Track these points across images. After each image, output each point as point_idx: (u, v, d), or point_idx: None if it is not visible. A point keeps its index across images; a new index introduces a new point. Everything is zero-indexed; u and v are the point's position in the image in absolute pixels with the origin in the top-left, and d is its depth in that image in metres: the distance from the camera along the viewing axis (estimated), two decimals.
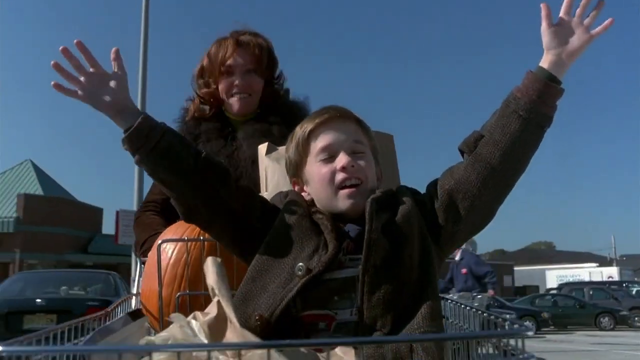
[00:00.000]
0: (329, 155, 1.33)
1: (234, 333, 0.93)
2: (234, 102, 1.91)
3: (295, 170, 1.40)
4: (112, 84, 1.28)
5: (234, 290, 1.25)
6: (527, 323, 0.70)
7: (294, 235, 1.26)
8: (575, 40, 1.32)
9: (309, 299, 1.20)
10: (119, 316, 1.58)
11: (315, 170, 1.33)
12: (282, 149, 1.58)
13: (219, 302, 0.98)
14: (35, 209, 24.72)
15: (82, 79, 1.27)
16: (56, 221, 24.78)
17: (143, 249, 1.78)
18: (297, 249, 1.25)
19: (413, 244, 1.25)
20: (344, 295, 1.21)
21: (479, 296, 8.41)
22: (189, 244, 1.50)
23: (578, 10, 1.34)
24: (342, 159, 1.31)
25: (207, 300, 1.40)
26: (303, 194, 1.39)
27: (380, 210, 1.26)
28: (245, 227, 1.31)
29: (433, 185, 1.35)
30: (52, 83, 1.26)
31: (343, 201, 1.30)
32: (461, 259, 8.78)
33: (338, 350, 0.95)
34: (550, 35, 1.32)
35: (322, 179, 1.32)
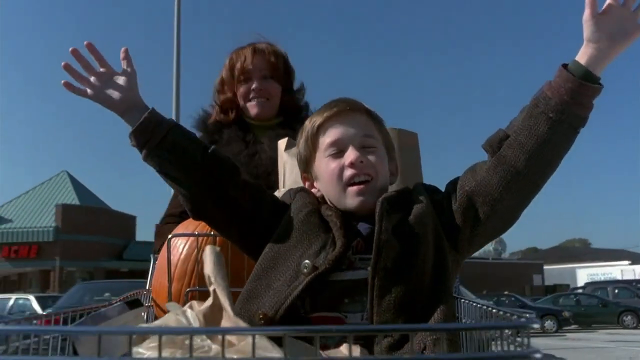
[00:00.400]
0: (338, 150, 1.28)
1: (228, 322, 0.91)
2: (252, 106, 1.97)
3: (305, 165, 1.36)
4: (121, 82, 1.30)
5: (241, 288, 1.26)
6: (532, 316, 0.86)
7: (301, 232, 1.22)
8: (622, 32, 1.17)
9: (319, 299, 1.16)
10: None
11: (324, 166, 1.29)
12: None
13: (214, 290, 0.96)
14: (73, 219, 25.53)
15: (91, 78, 1.30)
16: (92, 230, 25.56)
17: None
18: (304, 246, 1.20)
19: (427, 246, 1.19)
20: (355, 298, 1.15)
21: None
22: (200, 240, 1.50)
23: None
24: (350, 155, 1.26)
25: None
26: (313, 190, 1.36)
27: (392, 209, 1.21)
28: (254, 225, 1.29)
29: (453, 184, 1.28)
30: (63, 82, 1.29)
31: (351, 199, 1.25)
32: None
33: (343, 348, 0.95)
34: (594, 25, 1.17)
35: (330, 175, 1.27)
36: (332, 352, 1.01)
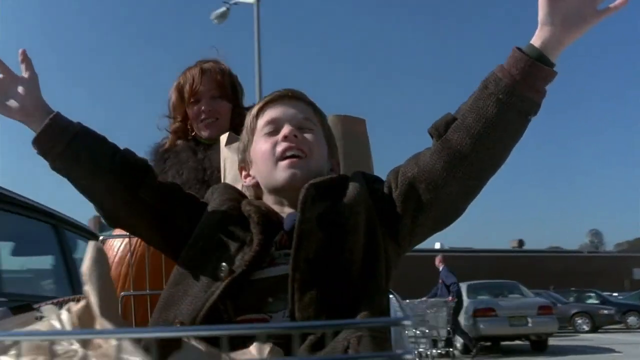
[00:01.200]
0: (274, 128, 1.23)
1: (97, 324, 0.86)
2: (203, 128, 1.95)
3: (244, 152, 1.31)
4: (20, 88, 1.21)
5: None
6: (407, 315, 0.78)
7: (219, 233, 1.15)
8: (579, 17, 1.11)
9: (241, 302, 1.08)
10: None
11: (259, 145, 1.24)
12: None
13: (87, 292, 0.91)
14: None
15: None
16: None
17: None
18: (221, 247, 1.13)
19: (356, 236, 1.11)
20: (279, 296, 1.07)
21: (444, 300, 10.27)
22: (134, 242, 1.46)
23: None
24: (285, 129, 1.21)
25: (153, 300, 1.38)
26: (248, 179, 1.30)
27: (320, 197, 1.13)
28: (173, 228, 1.22)
29: (394, 172, 1.21)
30: None
31: (281, 172, 1.18)
32: (441, 270, 10.88)
33: (252, 348, 0.85)
34: (549, 7, 1.11)
35: (263, 153, 1.22)
36: (239, 354, 0.90)
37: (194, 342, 0.78)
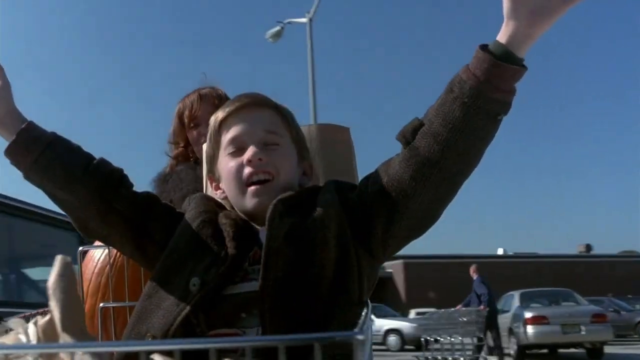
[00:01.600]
0: (238, 148, 1.20)
1: (60, 337, 0.87)
2: (201, 150, 1.96)
3: (211, 164, 1.29)
4: None
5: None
6: (362, 330, 0.84)
7: (194, 245, 1.13)
8: (545, 10, 1.03)
9: (213, 316, 1.07)
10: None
11: (224, 164, 1.22)
12: None
13: (52, 306, 0.92)
14: None
15: None
16: None
17: None
18: (195, 260, 1.11)
19: (326, 251, 1.08)
20: (252, 311, 1.06)
21: (476, 309, 10.69)
22: (114, 253, 1.44)
23: None
24: (249, 152, 1.17)
25: (132, 311, 1.33)
26: (218, 192, 1.27)
27: (288, 212, 1.11)
28: (147, 239, 1.21)
29: (365, 180, 1.18)
30: None
31: (249, 200, 1.17)
32: (474, 280, 11.41)
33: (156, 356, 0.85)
34: (513, 0, 1.03)
35: (229, 174, 1.20)
36: None
37: (158, 357, 0.77)
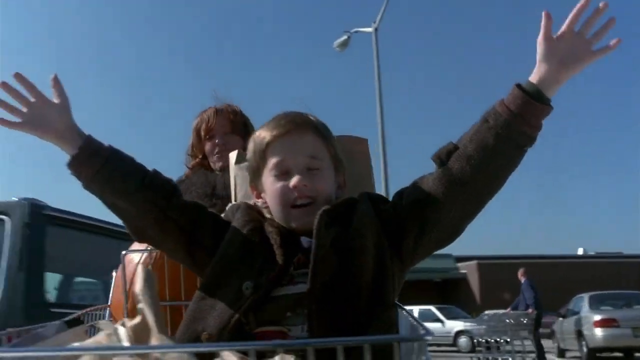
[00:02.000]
0: (284, 171, 1.31)
1: (155, 339, 0.95)
2: (216, 160, 2.15)
3: (254, 176, 1.39)
4: (54, 111, 1.30)
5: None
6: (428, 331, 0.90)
7: (243, 251, 1.25)
8: (575, 57, 1.21)
9: (262, 315, 1.18)
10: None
11: (269, 184, 1.33)
12: None
13: (141, 310, 0.99)
14: None
15: (24, 109, 1.29)
16: None
17: None
18: (246, 265, 1.23)
19: (366, 258, 1.20)
20: (297, 311, 1.17)
21: (524, 312, 11.09)
22: (154, 255, 1.52)
23: (584, 25, 1.22)
24: (294, 180, 1.28)
25: (171, 310, 1.49)
26: (259, 200, 1.38)
27: (332, 223, 1.23)
28: (197, 245, 1.31)
29: (399, 195, 1.31)
30: None
31: (295, 220, 1.28)
32: (522, 283, 11.80)
33: (277, 358, 0.90)
34: (547, 47, 1.21)
35: (275, 194, 1.31)
36: None
37: (231, 356, 0.84)
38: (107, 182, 1.28)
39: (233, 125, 2.22)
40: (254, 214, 1.34)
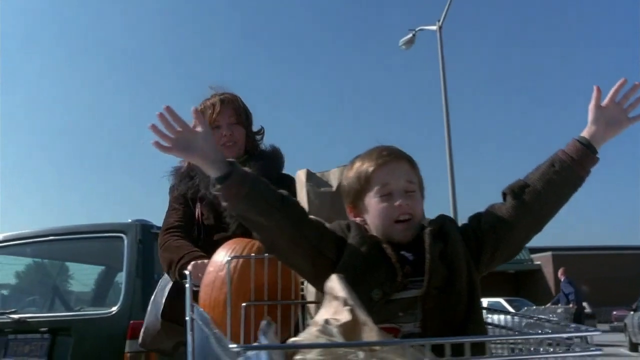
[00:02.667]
0: (387, 192, 1.54)
1: (370, 333, 1.07)
2: (223, 151, 2.10)
3: (354, 198, 1.60)
4: (199, 137, 1.50)
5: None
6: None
7: (366, 263, 1.46)
8: (616, 122, 1.60)
9: (378, 314, 1.33)
10: None
11: (374, 204, 1.55)
12: (320, 174, 1.87)
13: (351, 309, 1.12)
14: None
15: (173, 136, 1.49)
16: None
17: (179, 266, 2.03)
18: (370, 275, 1.45)
19: (462, 268, 1.47)
20: (408, 311, 1.42)
21: (565, 307, 12.46)
22: (253, 261, 1.68)
23: (621, 98, 1.60)
24: (398, 199, 1.53)
25: (270, 309, 1.66)
26: (358, 219, 1.60)
27: (435, 240, 1.48)
28: (322, 257, 1.50)
29: (476, 219, 1.58)
30: (152, 142, 1.48)
31: (398, 233, 1.52)
32: (562, 281, 13.35)
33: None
34: (596, 113, 1.59)
35: (380, 213, 1.54)
36: None
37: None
38: (254, 202, 1.46)
39: (238, 116, 2.33)
40: (365, 231, 1.55)
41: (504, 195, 1.58)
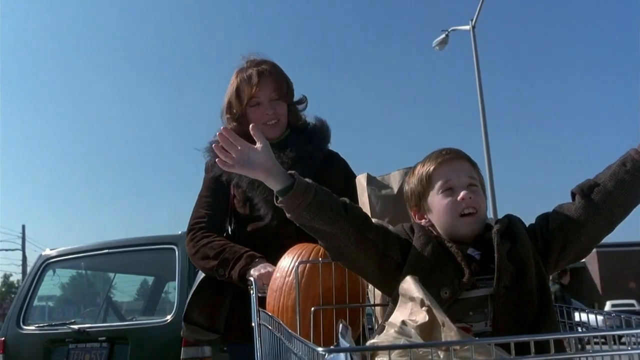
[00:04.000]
0: (449, 188, 1.55)
1: (449, 333, 1.07)
2: (266, 130, 2.06)
3: (417, 200, 1.61)
4: (260, 154, 1.56)
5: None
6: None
7: (433, 263, 1.47)
8: None
9: (448, 314, 1.32)
10: None
11: (437, 201, 1.56)
12: (380, 178, 1.87)
13: (428, 310, 1.12)
14: None
15: (234, 154, 1.56)
16: None
17: (240, 269, 1.98)
18: (437, 275, 1.45)
19: (531, 267, 1.45)
20: (478, 310, 1.42)
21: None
22: (319, 266, 1.69)
23: None
24: (462, 192, 1.53)
25: (338, 313, 1.66)
26: (422, 220, 1.60)
27: (502, 239, 1.47)
28: (387, 260, 1.51)
29: (544, 219, 1.56)
30: (217, 159, 1.58)
31: (464, 227, 1.52)
32: None
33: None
34: None
35: (445, 207, 1.54)
36: None
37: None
38: (319, 211, 1.48)
39: (279, 90, 2.14)
40: (430, 233, 1.55)
41: (573, 195, 1.55)
